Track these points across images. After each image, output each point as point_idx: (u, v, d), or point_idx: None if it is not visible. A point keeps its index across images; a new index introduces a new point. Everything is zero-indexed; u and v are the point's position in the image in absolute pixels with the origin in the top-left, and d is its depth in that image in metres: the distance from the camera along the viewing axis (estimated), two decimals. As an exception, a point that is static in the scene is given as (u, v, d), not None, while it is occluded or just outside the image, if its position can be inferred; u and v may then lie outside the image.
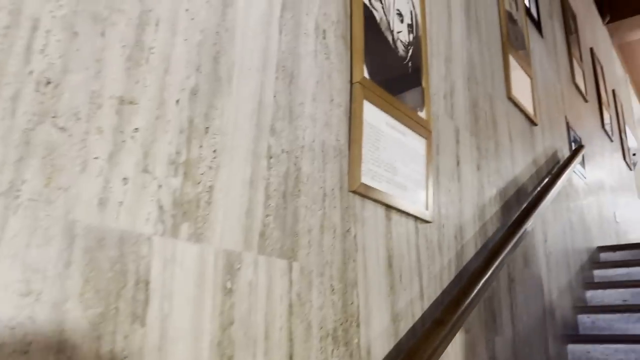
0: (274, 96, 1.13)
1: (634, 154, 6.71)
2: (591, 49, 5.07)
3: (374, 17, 1.52)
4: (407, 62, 1.65)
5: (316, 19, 1.31)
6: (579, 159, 3.25)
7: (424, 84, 1.72)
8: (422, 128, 1.64)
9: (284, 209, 1.08)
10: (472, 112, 2.10)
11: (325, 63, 1.31)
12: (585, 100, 4.28)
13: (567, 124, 3.53)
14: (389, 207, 1.43)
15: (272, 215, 1.05)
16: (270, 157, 1.08)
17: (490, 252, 1.93)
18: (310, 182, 1.17)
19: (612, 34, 6.54)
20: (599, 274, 3.27)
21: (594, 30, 5.52)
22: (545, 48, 3.46)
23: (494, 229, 2.09)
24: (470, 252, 1.85)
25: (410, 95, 1.63)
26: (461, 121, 1.98)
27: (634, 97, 7.84)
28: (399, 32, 1.64)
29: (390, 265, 1.39)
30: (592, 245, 3.51)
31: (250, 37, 1.09)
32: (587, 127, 4.18)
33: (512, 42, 2.73)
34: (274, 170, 1.08)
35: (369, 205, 1.36)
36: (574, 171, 3.34)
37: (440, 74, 1.90)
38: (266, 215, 1.04)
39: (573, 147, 3.49)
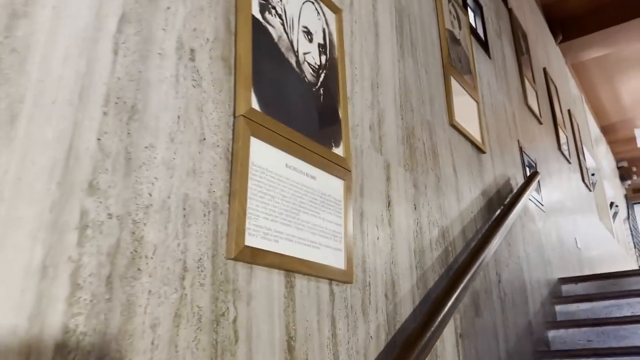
0: (99, 139, 0.81)
1: (592, 174, 6.63)
2: (544, 69, 4.96)
3: (269, 35, 1.23)
4: (317, 89, 1.36)
5: (179, 36, 1.01)
6: (534, 185, 3.03)
7: (341, 113, 1.43)
8: (338, 167, 1.35)
9: (107, 302, 0.76)
10: (407, 143, 1.83)
11: (194, 92, 1.01)
12: (540, 122, 4.11)
13: (521, 148, 3.33)
14: (290, 272, 1.13)
15: (83, 315, 0.72)
16: (85, 228, 0.76)
17: (432, 305, 1.64)
18: (159, 256, 0.86)
19: (565, 54, 6.50)
20: (561, 309, 3.02)
21: (546, 49, 5.42)
22: (494, 69, 3.27)
23: (437, 277, 1.80)
24: (406, 311, 1.55)
25: (322, 129, 1.33)
26: (393, 155, 1.70)
27: (590, 117, 7.84)
28: (306, 54, 1.35)
29: (290, 350, 1.07)
30: (552, 277, 3.27)
31: (59, 60, 0.78)
32: (543, 150, 4.00)
33: (455, 63, 2.49)
34: (90, 247, 0.76)
35: (260, 273, 1.05)
36: (529, 198, 3.12)
37: (365, 101, 1.62)
38: (72, 316, 0.71)
39: (528, 173, 3.28)
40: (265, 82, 1.17)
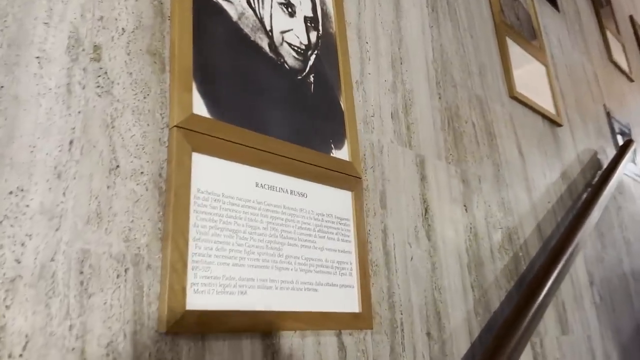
0: None
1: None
2: (631, 17, 4.25)
3: (223, 14, 0.92)
4: (305, 76, 1.04)
5: (73, 30, 0.73)
6: (629, 156, 2.50)
7: (344, 104, 1.10)
8: (341, 176, 1.02)
9: None
10: (450, 128, 1.45)
11: (98, 103, 0.73)
12: (630, 80, 3.49)
13: (608, 113, 2.79)
14: (269, 333, 0.82)
15: None
16: None
17: (500, 332, 1.28)
18: (35, 350, 0.58)
19: (654, -2, 5.63)
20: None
21: (630, -6, 4.68)
22: (565, 24, 2.75)
23: (504, 295, 1.42)
24: (461, 347, 1.19)
25: (315, 128, 1.01)
26: (429, 145, 1.34)
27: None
28: (285, 32, 1.03)
29: None
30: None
31: None
32: (637, 112, 3.39)
33: (511, 22, 2.05)
34: None
35: (219, 345, 0.75)
36: (624, 173, 2.58)
37: (384, 83, 1.28)
38: None
39: (620, 142, 2.74)
40: (217, 77, 0.87)
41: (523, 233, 1.62)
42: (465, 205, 1.39)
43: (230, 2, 0.95)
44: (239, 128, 0.86)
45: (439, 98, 1.46)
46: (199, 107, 0.82)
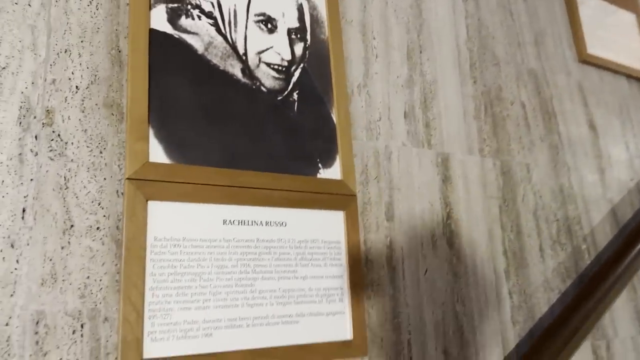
0: None
1: None
2: None
3: (186, 48, 0.92)
4: (287, 95, 1.00)
5: (24, 100, 0.78)
6: None
7: (337, 116, 1.05)
8: (329, 197, 0.98)
9: None
10: (487, 115, 1.32)
11: (52, 167, 0.78)
12: None
13: None
14: (241, 368, 0.83)
15: None
16: None
17: (535, 343, 1.17)
18: (-19, 413, 0.66)
19: None
20: None
21: None
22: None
23: (555, 298, 1.28)
24: (492, 362, 1.11)
25: (297, 150, 0.98)
26: (456, 140, 1.23)
27: None
28: (262, 52, 1.00)
29: None
30: None
31: None
32: None
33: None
34: None
35: (182, 385, 0.78)
36: None
37: (395, 80, 1.19)
38: None
39: None
40: (177, 119, 0.87)
41: (589, 221, 1.43)
42: (505, 201, 1.27)
43: (196, 33, 0.94)
44: (202, 167, 0.87)
45: (474, 82, 1.33)
46: (156, 154, 0.84)
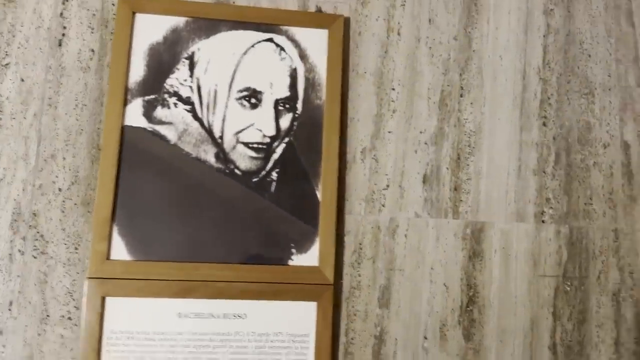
0: None
1: None
2: None
3: (160, 140, 0.96)
4: (264, 176, 0.97)
5: (16, 207, 0.94)
6: None
7: (321, 192, 0.97)
8: (298, 287, 0.94)
9: None
10: (557, 167, 1.05)
11: (34, 264, 0.93)
12: None
13: None
14: None
15: None
16: None
17: None
18: None
19: None
20: None
21: None
22: None
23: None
24: None
25: (269, 237, 0.96)
26: (497, 206, 1.03)
27: None
28: (241, 132, 0.98)
29: None
30: None
31: None
32: None
33: None
34: None
35: None
36: None
37: (413, 138, 1.03)
38: None
39: None
40: (141, 216, 0.93)
41: None
42: (568, 280, 1.01)
43: (170, 123, 0.96)
44: (159, 263, 0.92)
45: (543, 124, 1.06)
46: (118, 251, 0.92)
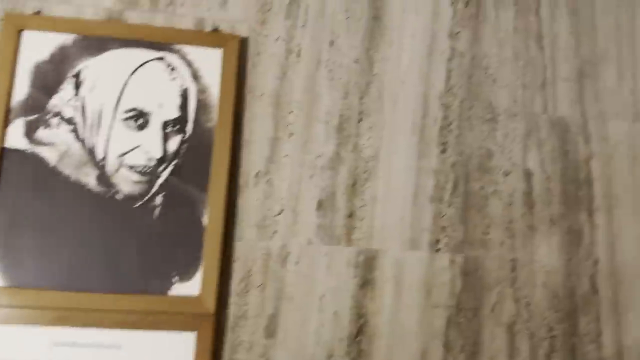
0: None
1: None
2: None
3: (38, 163, 0.93)
4: (147, 201, 0.95)
5: None
6: None
7: (208, 218, 0.95)
8: (176, 318, 0.92)
9: None
10: (453, 196, 1.04)
11: None
12: None
13: None
14: None
15: None
16: None
17: None
18: None
19: None
20: None
21: None
22: None
23: None
24: None
25: (149, 264, 0.93)
26: (392, 234, 1.01)
27: None
28: (125, 154, 0.95)
29: None
30: None
31: None
32: None
33: None
34: None
35: None
36: None
37: (311, 162, 1.01)
38: None
39: None
40: (21, 238, 0.90)
41: (615, 335, 1.04)
42: (461, 311, 1.00)
43: (51, 144, 0.93)
44: (34, 290, 0.89)
45: (442, 151, 1.04)
46: (-10, 278, 0.89)
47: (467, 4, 1.08)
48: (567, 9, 1.11)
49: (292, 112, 1.01)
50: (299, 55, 1.03)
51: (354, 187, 1.01)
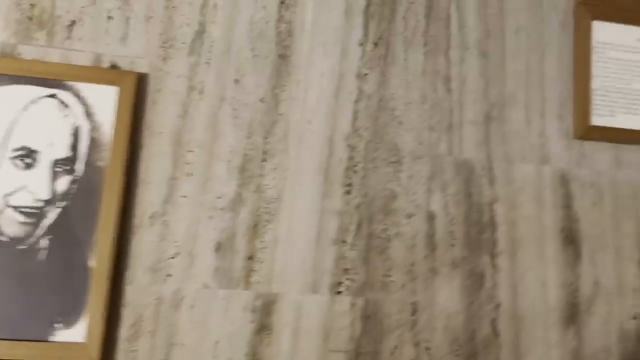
0: None
1: None
2: None
3: None
4: (33, 243, 0.91)
5: None
6: None
7: (96, 260, 0.92)
8: (58, 365, 0.88)
9: None
10: (358, 236, 1.03)
11: None
12: None
13: None
14: None
15: None
16: None
17: None
18: None
19: None
20: None
21: None
22: None
23: None
24: None
25: (31, 309, 0.90)
26: (295, 277, 1.00)
27: None
28: (12, 194, 0.92)
29: None
30: None
31: None
32: None
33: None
34: None
35: None
36: None
37: (210, 202, 0.99)
38: None
39: None
40: None
41: (515, 384, 1.04)
42: (359, 356, 0.99)
43: None
44: None
45: (347, 192, 1.03)
46: None
47: (376, 45, 1.08)
48: (478, 51, 1.12)
49: (192, 151, 0.99)
50: (201, 92, 1.01)
51: (254, 228, 0.99)
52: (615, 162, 1.13)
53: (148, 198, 0.97)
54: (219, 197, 0.99)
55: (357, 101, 1.06)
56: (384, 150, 1.06)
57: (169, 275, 0.95)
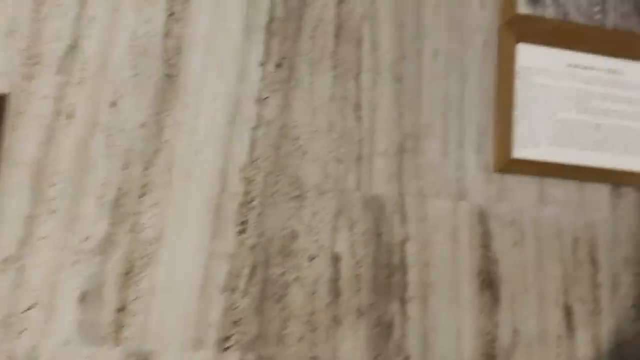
0: None
1: None
2: None
3: None
4: None
5: None
6: None
7: None
8: None
9: None
10: (250, 283, 0.91)
11: None
12: None
13: None
14: None
15: None
16: None
17: None
18: None
19: None
20: None
21: None
22: None
23: None
24: None
25: None
26: (177, 328, 0.87)
27: None
28: None
29: None
30: None
31: None
32: None
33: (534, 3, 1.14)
34: None
35: None
36: None
37: (73, 246, 0.86)
38: None
39: None
40: None
41: None
42: (244, 421, 0.87)
43: None
44: None
45: (239, 232, 0.91)
46: None
47: (278, 66, 0.97)
48: (392, 75, 1.02)
49: (55, 184, 0.86)
50: (70, 116, 0.88)
51: (128, 275, 0.86)
52: (538, 198, 1.05)
53: (0, 239, 0.83)
54: (86, 239, 0.86)
55: (255, 128, 0.95)
56: (285, 183, 0.95)
57: (24, 329, 0.81)
